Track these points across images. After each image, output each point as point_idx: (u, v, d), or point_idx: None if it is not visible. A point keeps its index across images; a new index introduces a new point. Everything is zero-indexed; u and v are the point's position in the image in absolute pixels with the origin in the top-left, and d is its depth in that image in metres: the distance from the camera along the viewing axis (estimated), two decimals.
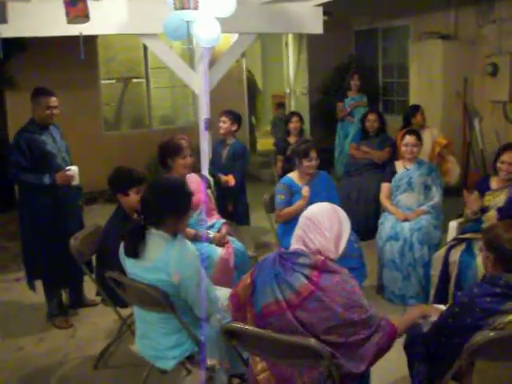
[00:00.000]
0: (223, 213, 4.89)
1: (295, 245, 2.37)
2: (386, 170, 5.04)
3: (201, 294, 2.79)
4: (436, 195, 4.73)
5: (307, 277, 2.22)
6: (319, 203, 2.51)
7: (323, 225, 2.35)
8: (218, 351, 2.83)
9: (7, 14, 4.35)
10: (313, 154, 4.34)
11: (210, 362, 2.87)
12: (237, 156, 5.37)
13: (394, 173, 4.85)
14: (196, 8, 4.06)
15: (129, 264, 2.86)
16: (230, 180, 5.22)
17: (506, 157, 4.05)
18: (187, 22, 4.15)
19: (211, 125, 5.68)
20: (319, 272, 2.24)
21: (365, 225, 5.58)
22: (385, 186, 4.89)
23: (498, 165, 4.09)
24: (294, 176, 4.47)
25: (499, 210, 3.99)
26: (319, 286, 2.20)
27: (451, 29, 8.08)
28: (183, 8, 4.05)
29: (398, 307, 4.50)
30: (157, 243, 2.76)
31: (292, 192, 4.36)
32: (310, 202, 4.26)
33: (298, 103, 10.03)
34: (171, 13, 4.40)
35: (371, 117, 6.22)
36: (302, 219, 2.42)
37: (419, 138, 4.84)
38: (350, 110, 7.59)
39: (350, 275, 2.31)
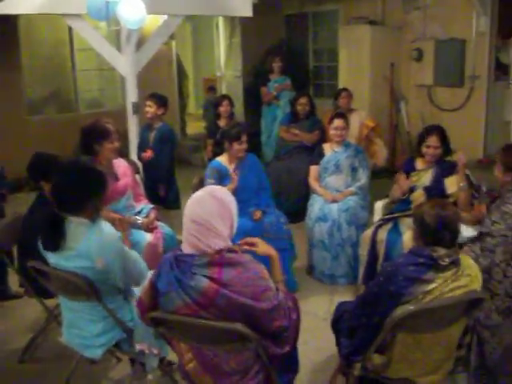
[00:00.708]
0: (153, 197, 4.84)
1: (189, 251, 2.20)
2: (314, 153, 5.11)
3: (129, 272, 2.78)
4: (363, 177, 4.84)
5: (208, 277, 2.12)
6: (197, 195, 2.26)
7: (217, 226, 2.18)
8: (147, 336, 2.79)
9: None
10: (244, 138, 4.33)
11: (139, 347, 2.83)
12: (165, 139, 5.29)
13: (322, 155, 4.92)
14: None
15: (49, 255, 2.76)
16: (148, 153, 5.18)
17: (430, 141, 4.16)
18: (109, 2, 4.04)
19: (140, 108, 5.57)
20: (219, 267, 2.14)
21: (295, 207, 5.63)
22: (313, 169, 4.95)
23: (424, 149, 4.19)
24: (223, 159, 4.44)
25: (426, 188, 4.12)
26: (222, 282, 2.12)
27: (379, 14, 8.24)
28: None
29: (328, 286, 4.60)
30: (76, 231, 2.66)
31: (221, 175, 4.34)
32: (240, 184, 4.29)
33: (231, 86, 9.97)
34: None
35: (303, 100, 6.26)
36: (188, 223, 2.20)
37: (347, 121, 4.91)
38: (276, 93, 7.60)
39: (253, 260, 2.23)
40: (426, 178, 4.20)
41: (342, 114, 5.04)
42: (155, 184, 5.26)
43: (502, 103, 7.08)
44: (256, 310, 2.14)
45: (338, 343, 2.94)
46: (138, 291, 2.85)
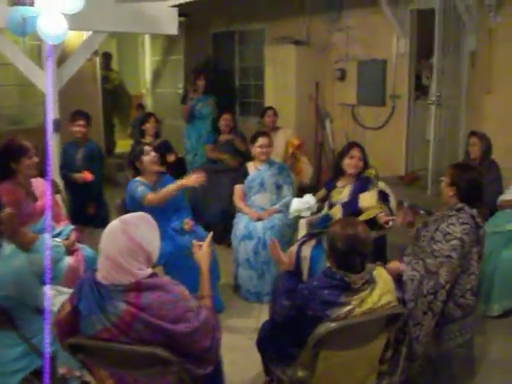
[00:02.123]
0: (81, 218, 4.80)
1: (105, 282, 2.16)
2: (238, 172, 5.12)
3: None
4: (287, 194, 4.88)
5: (126, 301, 2.10)
6: (111, 229, 2.21)
7: (125, 264, 2.14)
8: (68, 359, 2.67)
9: None
10: (149, 148, 4.29)
11: (61, 371, 2.74)
12: (95, 157, 5.22)
13: (246, 174, 4.93)
14: (32, 4, 3.84)
15: None
16: (86, 176, 5.05)
17: (355, 151, 4.23)
18: (29, 17, 3.92)
19: (61, 126, 5.43)
20: (137, 292, 2.13)
21: (221, 226, 5.62)
22: (238, 188, 4.95)
23: (347, 161, 4.22)
24: (141, 179, 4.34)
25: (343, 204, 4.19)
26: (140, 306, 2.10)
27: (303, 35, 8.40)
28: (18, 4, 3.82)
29: (254, 305, 4.59)
30: None
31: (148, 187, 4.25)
32: (158, 207, 4.17)
33: (166, 103, 9.82)
34: (14, 7, 4.13)
35: (226, 116, 6.33)
36: (101, 256, 2.18)
37: (270, 139, 4.96)
38: (199, 110, 7.46)
39: (172, 282, 2.23)
40: (344, 194, 4.27)
41: (266, 133, 5.09)
42: (85, 203, 5.14)
43: (422, 122, 7.37)
44: (175, 334, 2.12)
45: (264, 361, 2.95)
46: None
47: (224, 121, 6.28)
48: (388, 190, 4.54)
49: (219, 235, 5.25)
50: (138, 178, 4.36)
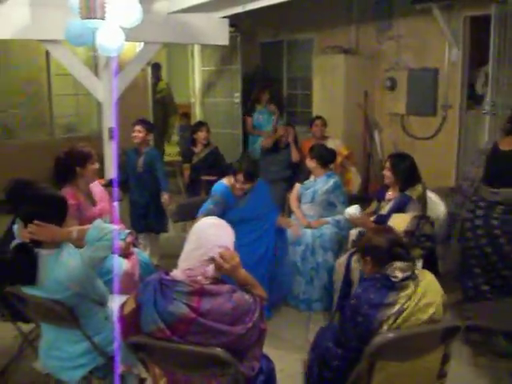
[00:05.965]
0: (141, 224, 5.17)
1: (178, 277, 2.28)
2: (301, 171, 5.16)
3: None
4: (341, 212, 4.73)
5: (187, 304, 2.18)
6: (216, 222, 2.45)
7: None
8: (127, 356, 2.75)
9: None
10: (240, 178, 4.22)
11: (121, 369, 2.82)
12: (156, 161, 5.40)
13: (307, 177, 4.93)
14: (103, 18, 4.00)
15: (25, 288, 2.74)
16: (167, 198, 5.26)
17: (387, 164, 4.30)
18: (89, 28, 4.08)
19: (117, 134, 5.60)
20: (199, 297, 2.21)
21: None
22: (296, 187, 4.97)
23: (384, 172, 4.32)
24: (230, 184, 4.36)
25: (375, 219, 4.21)
26: (200, 311, 2.18)
27: (353, 44, 8.38)
28: (89, 17, 3.98)
29: (303, 313, 4.56)
30: (45, 264, 2.65)
31: (229, 205, 4.28)
32: (250, 212, 4.33)
33: (214, 112, 10.02)
34: (74, 19, 4.30)
35: (289, 129, 6.59)
36: (190, 251, 2.33)
37: None
38: (260, 122, 7.70)
39: (232, 289, 2.29)
40: (387, 207, 4.25)
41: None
42: (146, 210, 5.33)
43: (474, 132, 7.22)
44: (231, 335, 2.20)
45: (310, 368, 2.92)
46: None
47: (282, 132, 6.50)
48: (439, 202, 4.49)
49: None
50: (226, 184, 4.40)
